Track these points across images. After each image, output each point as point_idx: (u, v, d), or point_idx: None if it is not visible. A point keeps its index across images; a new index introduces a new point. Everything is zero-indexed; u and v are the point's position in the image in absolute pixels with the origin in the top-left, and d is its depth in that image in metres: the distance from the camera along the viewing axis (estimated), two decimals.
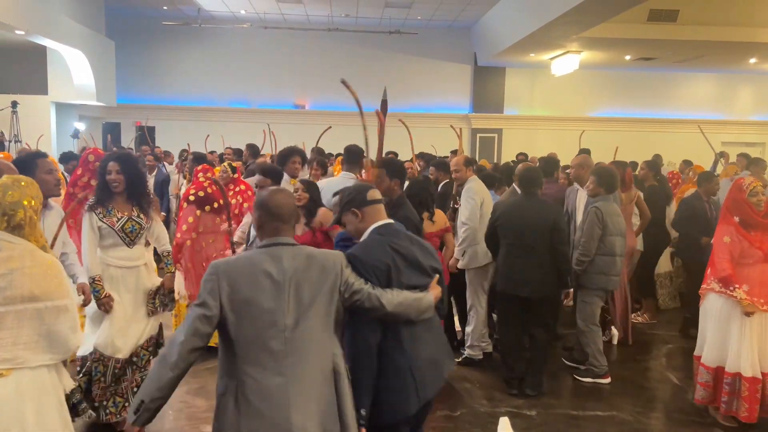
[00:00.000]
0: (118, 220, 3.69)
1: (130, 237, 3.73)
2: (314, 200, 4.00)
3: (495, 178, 6.09)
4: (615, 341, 5.74)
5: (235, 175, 5.58)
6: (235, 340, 2.18)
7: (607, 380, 4.85)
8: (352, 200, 2.67)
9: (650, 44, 12.39)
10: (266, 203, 2.32)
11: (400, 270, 2.52)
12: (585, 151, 8.80)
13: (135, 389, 3.77)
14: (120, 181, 3.70)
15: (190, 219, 5.13)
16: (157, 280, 3.93)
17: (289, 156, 5.51)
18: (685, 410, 4.50)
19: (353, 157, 4.84)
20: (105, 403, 3.69)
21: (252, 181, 5.89)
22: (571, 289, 4.70)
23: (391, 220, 2.72)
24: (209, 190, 5.15)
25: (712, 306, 4.14)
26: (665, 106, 16.83)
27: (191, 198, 5.18)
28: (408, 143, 7.08)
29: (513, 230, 4.49)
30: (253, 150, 8.79)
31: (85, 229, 3.65)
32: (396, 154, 8.33)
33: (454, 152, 10.56)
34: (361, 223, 2.65)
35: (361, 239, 2.65)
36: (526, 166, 5.38)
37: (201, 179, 5.26)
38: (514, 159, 10.13)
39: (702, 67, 15.22)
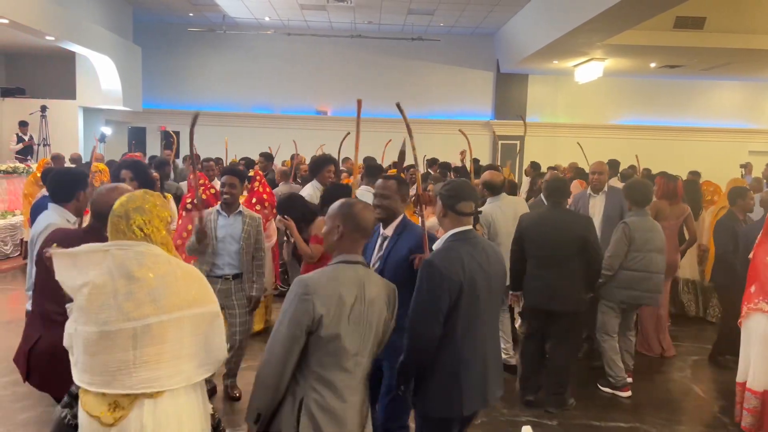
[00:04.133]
0: None
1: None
2: (313, 211, 3.98)
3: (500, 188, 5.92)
4: (649, 351, 5.67)
5: (251, 185, 5.64)
6: (312, 354, 2.18)
7: (626, 393, 4.76)
8: (448, 198, 2.67)
9: (676, 52, 12.25)
10: (356, 217, 2.31)
11: (474, 287, 2.55)
12: (613, 163, 8.72)
13: None
14: (133, 188, 3.76)
15: (189, 226, 5.18)
16: None
17: (323, 164, 5.51)
18: (709, 423, 4.42)
19: (372, 171, 4.87)
20: None
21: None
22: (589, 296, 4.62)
23: (470, 227, 2.72)
24: (203, 197, 5.17)
25: (757, 327, 3.93)
26: (690, 114, 16.60)
27: (188, 206, 5.23)
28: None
29: (541, 242, 4.36)
30: (266, 157, 8.88)
31: None
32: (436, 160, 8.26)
33: (475, 160, 10.53)
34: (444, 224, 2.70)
35: (440, 243, 2.67)
36: (553, 175, 5.31)
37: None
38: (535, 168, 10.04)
39: (728, 74, 14.99)
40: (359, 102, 3.78)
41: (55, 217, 3.33)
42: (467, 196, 2.70)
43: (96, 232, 2.69)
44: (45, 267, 2.66)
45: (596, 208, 5.48)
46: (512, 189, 6.19)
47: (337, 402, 2.19)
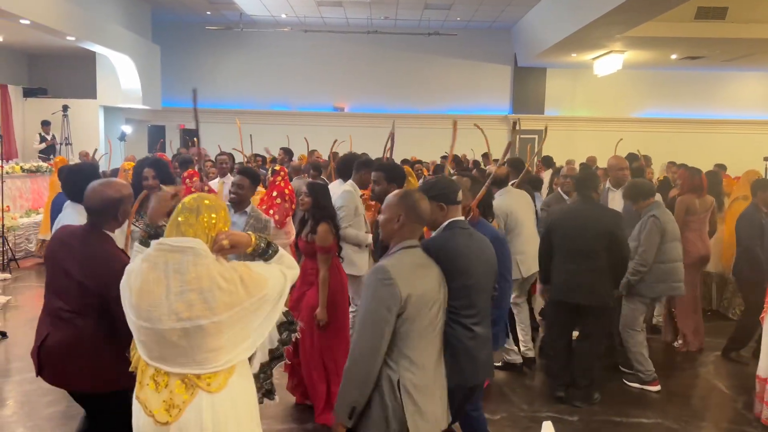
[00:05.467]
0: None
1: None
2: (320, 206, 3.92)
3: (540, 182, 5.98)
4: (687, 348, 5.62)
5: (273, 179, 5.65)
6: (399, 336, 2.29)
7: (656, 387, 4.72)
8: (442, 195, 2.77)
9: (698, 43, 12.06)
10: (417, 207, 2.46)
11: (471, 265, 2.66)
12: (632, 157, 8.62)
13: None
14: (156, 186, 3.80)
15: None
16: None
17: (352, 161, 5.43)
18: (733, 419, 4.37)
19: (346, 166, 4.90)
20: None
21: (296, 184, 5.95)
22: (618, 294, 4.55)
23: (462, 217, 2.85)
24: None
25: None
26: (712, 106, 16.36)
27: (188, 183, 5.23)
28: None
29: (569, 236, 4.33)
30: (288, 154, 8.92)
31: (115, 232, 3.74)
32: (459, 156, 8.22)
33: (485, 156, 10.48)
34: (445, 218, 2.78)
35: (438, 231, 2.77)
36: (570, 169, 5.30)
37: (188, 185, 5.26)
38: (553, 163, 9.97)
39: (751, 65, 14.74)
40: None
41: (74, 215, 3.35)
42: (455, 187, 2.85)
43: (95, 228, 2.70)
44: (52, 265, 2.71)
45: (615, 203, 5.42)
46: (536, 184, 6.17)
47: (427, 376, 2.34)
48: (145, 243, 2.34)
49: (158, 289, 2.05)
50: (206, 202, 2.18)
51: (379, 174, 3.95)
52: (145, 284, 2.08)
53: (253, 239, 2.23)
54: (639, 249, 4.59)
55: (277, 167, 5.85)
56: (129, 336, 2.22)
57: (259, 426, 2.29)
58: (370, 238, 4.64)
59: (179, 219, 2.14)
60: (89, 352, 2.58)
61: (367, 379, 2.24)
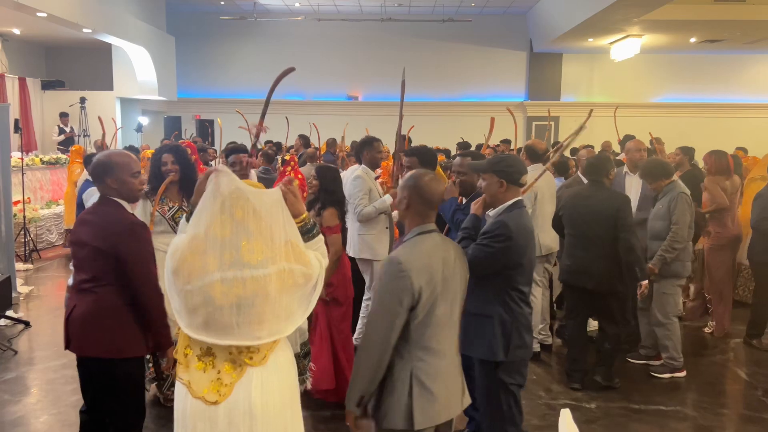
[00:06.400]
0: (170, 209, 3.88)
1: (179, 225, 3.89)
2: (327, 190, 3.91)
3: (567, 166, 5.94)
4: (718, 333, 5.60)
5: (284, 168, 5.64)
6: (413, 327, 2.27)
7: (683, 374, 4.70)
8: (508, 173, 2.87)
9: (717, 25, 11.84)
10: (422, 188, 2.36)
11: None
12: (629, 138, 8.58)
13: None
14: (175, 171, 3.85)
15: None
16: None
17: (369, 144, 5.38)
18: (753, 406, 4.33)
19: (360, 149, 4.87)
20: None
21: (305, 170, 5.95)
22: (645, 281, 4.41)
23: (521, 197, 2.97)
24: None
25: None
26: (732, 90, 16.07)
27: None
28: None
29: (575, 220, 4.37)
30: (305, 141, 8.92)
31: (138, 214, 3.79)
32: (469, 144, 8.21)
33: (505, 141, 10.43)
34: (502, 195, 2.90)
35: (504, 210, 2.89)
36: (589, 152, 5.26)
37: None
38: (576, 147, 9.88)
39: None
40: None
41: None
42: (522, 167, 2.99)
43: (102, 197, 2.79)
44: (74, 242, 2.80)
45: (633, 187, 5.34)
46: (564, 168, 6.12)
47: (441, 364, 2.32)
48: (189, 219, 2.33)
49: (224, 231, 2.02)
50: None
51: (413, 159, 3.91)
52: (197, 242, 2.04)
53: (305, 214, 2.27)
54: (673, 226, 4.50)
55: (287, 157, 5.85)
56: (149, 300, 2.41)
57: (300, 410, 2.30)
58: (389, 198, 4.59)
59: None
60: (109, 318, 2.65)
61: (377, 370, 2.24)
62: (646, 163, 4.88)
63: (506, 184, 2.88)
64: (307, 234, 2.25)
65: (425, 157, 3.94)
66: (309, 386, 3.79)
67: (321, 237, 2.31)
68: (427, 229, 2.37)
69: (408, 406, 2.24)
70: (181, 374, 2.15)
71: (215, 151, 9.33)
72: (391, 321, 2.21)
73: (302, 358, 3.70)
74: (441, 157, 6.20)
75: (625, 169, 5.50)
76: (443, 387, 2.32)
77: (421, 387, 2.26)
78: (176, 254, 2.07)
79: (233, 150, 4.64)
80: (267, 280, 2.03)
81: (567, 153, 8.07)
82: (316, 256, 2.22)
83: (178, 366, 2.16)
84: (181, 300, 2.08)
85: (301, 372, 3.66)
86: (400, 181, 2.50)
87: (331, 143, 9.73)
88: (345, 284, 4.04)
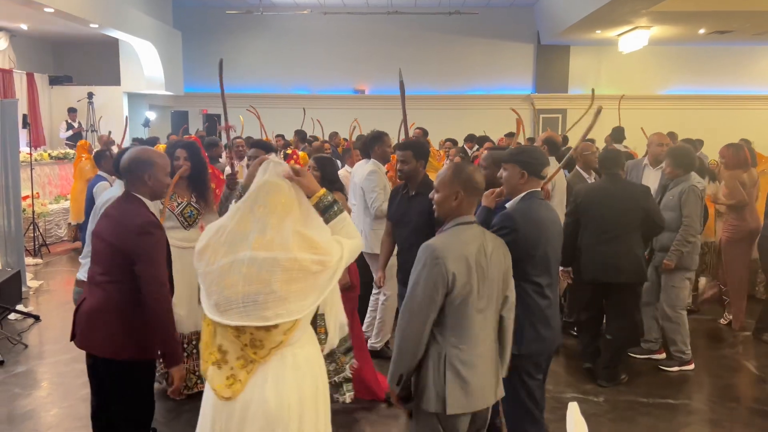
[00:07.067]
0: (179, 204, 3.90)
1: (188, 221, 3.93)
2: (329, 179, 3.87)
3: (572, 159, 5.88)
4: (737, 326, 5.60)
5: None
6: (448, 313, 2.33)
7: (692, 367, 4.69)
8: (530, 164, 2.89)
9: (727, 16, 11.72)
10: (473, 180, 2.43)
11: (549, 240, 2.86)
12: (619, 130, 8.60)
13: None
14: (187, 167, 3.88)
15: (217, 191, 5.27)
16: None
17: (379, 138, 5.38)
18: (763, 400, 4.31)
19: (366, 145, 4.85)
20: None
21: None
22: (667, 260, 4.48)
23: (539, 189, 2.95)
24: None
25: None
26: (742, 81, 15.92)
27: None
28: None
29: (600, 216, 4.27)
30: (301, 136, 8.91)
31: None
32: (426, 132, 8.15)
33: (509, 135, 10.39)
34: (522, 186, 2.91)
35: (517, 201, 2.91)
36: (585, 146, 5.24)
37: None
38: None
39: None
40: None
41: (117, 189, 3.44)
42: (544, 160, 2.99)
43: (127, 192, 2.77)
44: (94, 235, 2.79)
45: (650, 180, 5.30)
46: (570, 162, 6.11)
47: (474, 353, 2.36)
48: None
49: (245, 226, 2.08)
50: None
51: (408, 153, 3.90)
52: (223, 230, 2.11)
53: (322, 191, 2.20)
54: (685, 219, 4.48)
55: (289, 151, 5.86)
56: (154, 301, 2.43)
57: (327, 409, 2.27)
58: None
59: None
60: (115, 317, 2.63)
61: (415, 351, 2.31)
62: (675, 147, 4.81)
63: (527, 175, 2.88)
64: (326, 212, 2.19)
65: (420, 150, 3.93)
66: (349, 399, 3.65)
67: (345, 215, 2.24)
68: (467, 221, 2.42)
69: (441, 390, 2.31)
70: (202, 368, 2.18)
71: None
72: (426, 307, 2.29)
73: (342, 354, 3.60)
74: (444, 152, 6.19)
75: (646, 161, 5.46)
76: (477, 375, 2.36)
77: (455, 373, 2.32)
78: (203, 237, 2.16)
79: (254, 144, 4.69)
80: (272, 263, 2.02)
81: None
82: (338, 239, 2.16)
83: (202, 361, 2.19)
84: (202, 282, 2.13)
85: (339, 370, 3.58)
86: (441, 177, 2.48)
87: (332, 136, 9.77)
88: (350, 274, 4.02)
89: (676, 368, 4.69)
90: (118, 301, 2.64)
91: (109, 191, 3.56)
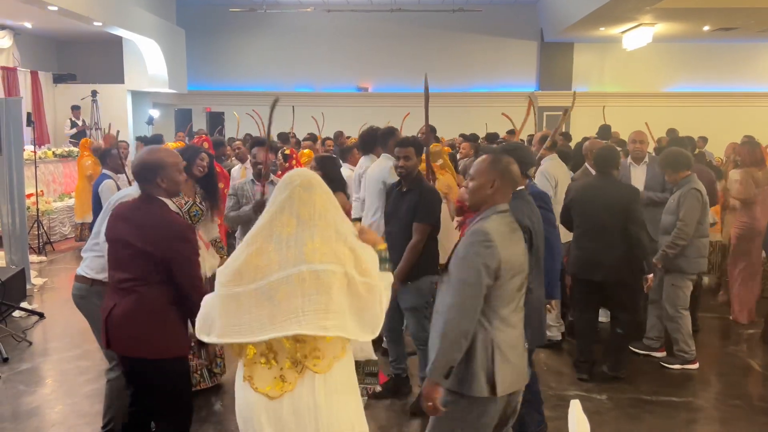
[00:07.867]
0: (186, 203, 3.92)
1: (193, 220, 3.98)
2: (332, 178, 3.89)
3: (569, 155, 5.88)
4: (746, 319, 5.65)
5: (287, 164, 5.66)
6: (494, 297, 2.37)
7: (696, 366, 4.67)
8: (525, 164, 2.99)
9: (731, 13, 11.67)
10: (511, 171, 2.50)
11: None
12: (606, 128, 8.58)
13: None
14: (203, 168, 4.04)
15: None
16: (217, 262, 4.10)
17: (375, 135, 5.36)
18: (767, 398, 4.30)
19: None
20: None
21: None
22: (651, 275, 4.39)
23: (523, 187, 3.09)
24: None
25: None
26: (747, 79, 15.85)
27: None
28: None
29: (585, 212, 4.35)
30: (282, 138, 8.86)
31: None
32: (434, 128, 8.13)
33: (510, 132, 10.37)
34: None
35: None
36: (593, 142, 5.24)
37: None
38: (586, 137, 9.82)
39: None
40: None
41: (133, 190, 3.42)
42: (533, 161, 3.21)
43: (148, 196, 2.73)
44: (112, 240, 2.74)
45: (638, 179, 5.31)
46: (566, 157, 6.10)
47: (514, 334, 2.45)
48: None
49: (289, 230, 2.10)
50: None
51: (410, 149, 3.94)
52: (260, 242, 2.11)
53: (384, 245, 2.42)
54: (678, 223, 4.48)
55: (287, 151, 5.84)
56: (193, 301, 2.38)
57: (363, 416, 2.29)
58: None
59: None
60: (152, 318, 2.63)
61: (466, 337, 2.31)
62: (665, 154, 4.79)
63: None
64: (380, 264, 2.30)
65: (420, 147, 4.00)
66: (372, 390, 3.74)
67: (389, 275, 2.36)
68: (504, 209, 2.47)
69: (491, 373, 2.34)
70: (244, 373, 2.15)
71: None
72: (479, 290, 2.31)
73: (364, 374, 3.64)
74: (447, 149, 6.17)
75: (629, 159, 5.46)
76: (518, 356, 2.44)
77: (502, 355, 2.36)
78: (236, 260, 2.14)
79: (255, 143, 4.69)
80: (330, 275, 2.06)
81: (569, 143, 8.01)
82: (381, 278, 2.25)
83: (244, 367, 2.18)
84: (246, 301, 2.09)
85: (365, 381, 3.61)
86: (478, 165, 2.52)
87: (337, 135, 9.75)
88: None
89: (678, 366, 4.69)
90: (154, 302, 2.64)
91: (125, 191, 3.54)
